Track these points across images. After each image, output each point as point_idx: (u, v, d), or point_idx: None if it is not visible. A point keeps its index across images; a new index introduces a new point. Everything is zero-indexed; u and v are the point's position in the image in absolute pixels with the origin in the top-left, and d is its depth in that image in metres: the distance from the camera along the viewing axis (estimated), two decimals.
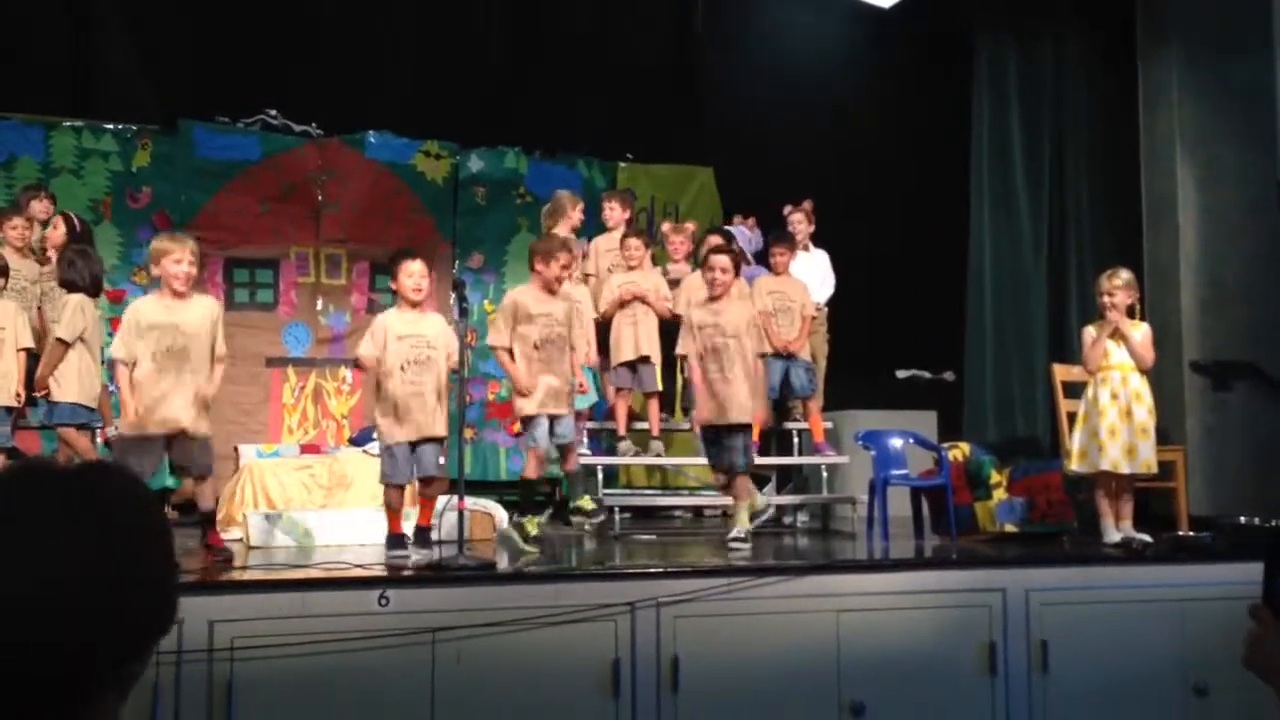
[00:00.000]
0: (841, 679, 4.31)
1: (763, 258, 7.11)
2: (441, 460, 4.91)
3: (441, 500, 4.83)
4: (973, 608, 4.56)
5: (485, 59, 8.42)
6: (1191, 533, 5.69)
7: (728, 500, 5.82)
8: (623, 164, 8.70)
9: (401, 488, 4.82)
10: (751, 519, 5.26)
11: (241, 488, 5.82)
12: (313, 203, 7.94)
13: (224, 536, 5.58)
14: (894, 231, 8.24)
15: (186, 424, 4.52)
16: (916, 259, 8.23)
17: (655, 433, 6.58)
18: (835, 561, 4.94)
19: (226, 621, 3.73)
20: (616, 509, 6.31)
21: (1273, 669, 1.39)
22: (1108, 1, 8.17)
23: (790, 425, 6.85)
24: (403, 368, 4.75)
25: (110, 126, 7.61)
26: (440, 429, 4.83)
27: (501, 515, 5.65)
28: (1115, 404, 5.24)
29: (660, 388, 6.60)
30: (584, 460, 6.27)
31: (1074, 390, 5.88)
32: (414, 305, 4.87)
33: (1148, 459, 5.21)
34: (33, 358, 5.66)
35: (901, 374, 8.36)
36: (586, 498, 5.24)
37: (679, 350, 5.59)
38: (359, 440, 6.81)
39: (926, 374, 8.41)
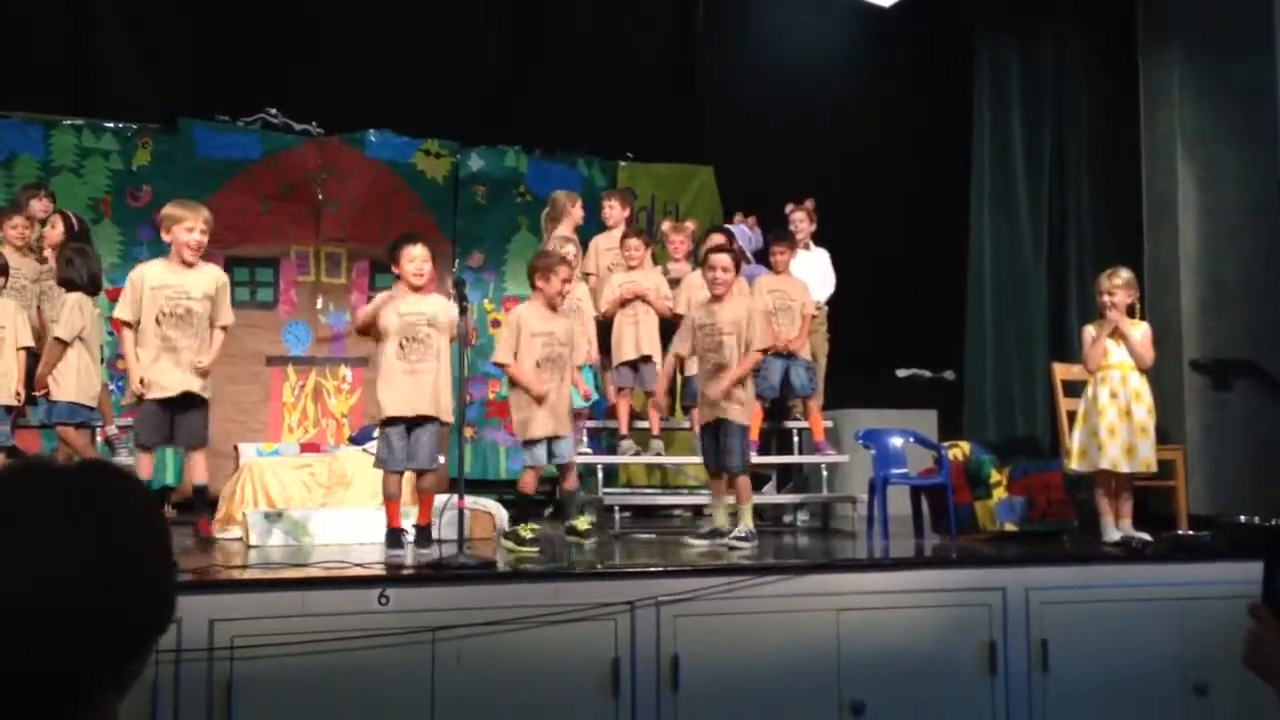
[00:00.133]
0: (841, 678, 4.31)
1: (763, 256, 7.11)
2: (441, 459, 4.91)
3: (441, 499, 4.83)
4: (973, 607, 4.57)
5: (485, 58, 8.42)
6: (1191, 532, 5.69)
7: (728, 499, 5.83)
8: (623, 163, 8.70)
9: (398, 475, 4.81)
10: (718, 534, 5.23)
11: (241, 486, 5.81)
12: (313, 201, 7.94)
13: (224, 535, 5.62)
14: (894, 231, 8.24)
15: (187, 387, 4.55)
16: (917, 258, 8.23)
17: (656, 432, 6.58)
18: (835, 560, 4.94)
19: (226, 620, 3.73)
20: (616, 508, 6.32)
21: (1272, 668, 1.39)
22: (1108, 1, 8.17)
23: (790, 424, 6.85)
24: (402, 345, 4.75)
25: (110, 125, 7.61)
26: (439, 410, 4.80)
27: (501, 514, 5.65)
28: (1115, 403, 5.24)
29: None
30: (584, 459, 6.28)
31: (1074, 389, 5.88)
32: (416, 290, 4.87)
33: (1147, 458, 5.21)
34: (32, 356, 5.66)
35: (902, 373, 8.36)
36: (583, 518, 5.21)
37: (674, 349, 5.61)
38: (359, 439, 6.81)
39: (927, 373, 8.41)
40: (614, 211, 7.10)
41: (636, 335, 6.44)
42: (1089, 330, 5.45)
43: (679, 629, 4.17)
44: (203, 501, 4.76)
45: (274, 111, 7.93)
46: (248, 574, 4.25)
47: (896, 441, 6.10)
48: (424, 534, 4.80)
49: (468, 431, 7.70)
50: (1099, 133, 8.40)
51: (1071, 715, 4.57)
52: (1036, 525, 5.67)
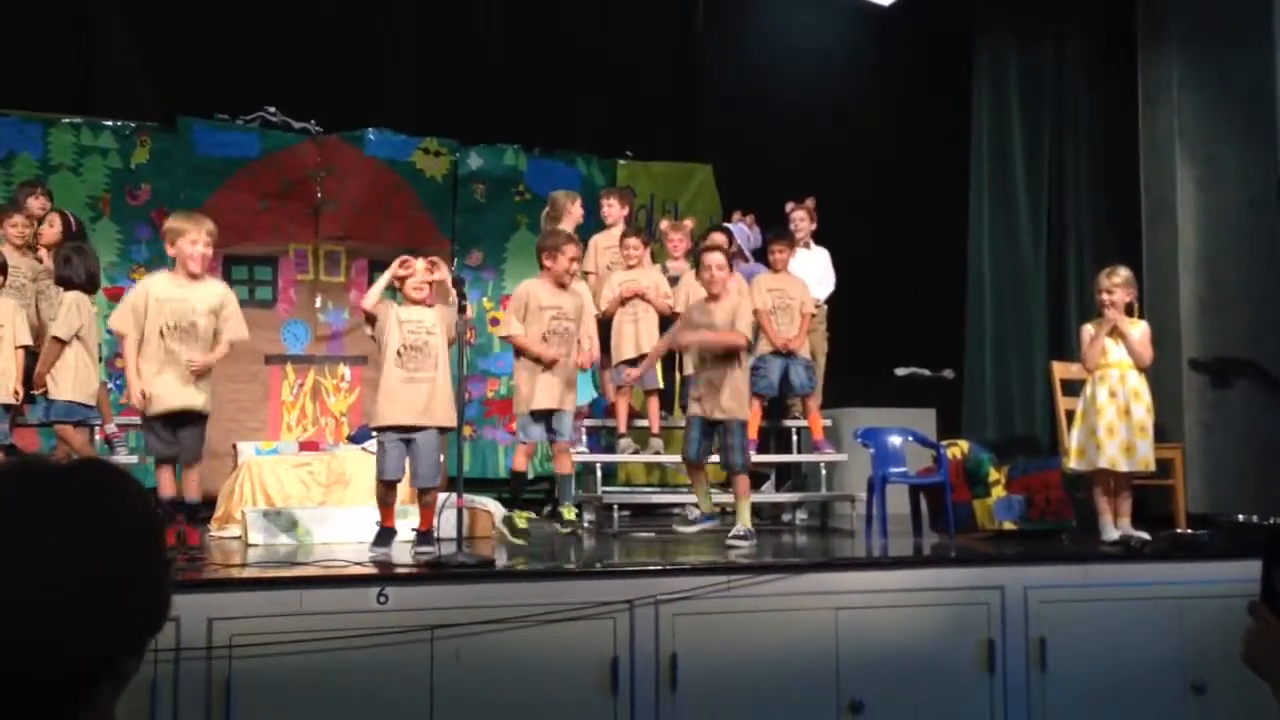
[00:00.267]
0: (840, 676, 4.31)
1: (761, 255, 7.11)
2: (441, 458, 4.90)
3: (440, 498, 4.82)
4: (971, 605, 4.57)
5: (485, 57, 8.42)
6: (1190, 530, 5.69)
7: (727, 498, 5.83)
8: (622, 161, 8.70)
9: (392, 484, 4.79)
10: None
11: (240, 485, 5.82)
12: (312, 200, 7.94)
13: (222, 534, 5.63)
14: (893, 230, 8.24)
15: (189, 403, 4.54)
16: (916, 257, 8.24)
17: (655, 430, 6.58)
18: (834, 559, 4.95)
19: (225, 619, 3.73)
20: (615, 506, 6.32)
21: (1271, 666, 1.39)
22: (1108, 1, 8.17)
23: (789, 423, 6.85)
24: (400, 353, 4.74)
25: (109, 123, 7.61)
26: (437, 419, 4.77)
27: (500, 512, 5.65)
28: (1113, 402, 5.24)
29: (661, 385, 6.61)
30: (583, 458, 6.28)
31: (1073, 388, 5.89)
32: (416, 302, 4.87)
33: (1146, 457, 5.21)
34: (31, 355, 5.66)
35: (901, 372, 8.36)
36: (569, 506, 5.22)
37: (670, 334, 5.65)
38: (358, 438, 6.81)
39: (926, 372, 8.41)
40: (613, 210, 7.10)
41: (636, 334, 6.44)
42: (1088, 329, 5.45)
43: (678, 628, 4.17)
44: (194, 517, 4.74)
45: (273, 110, 7.92)
46: (246, 573, 4.25)
47: (895, 440, 6.10)
48: (424, 537, 4.78)
49: (466, 430, 7.70)
50: (1098, 132, 8.41)
51: (1070, 714, 4.58)
52: (1035, 524, 5.68)
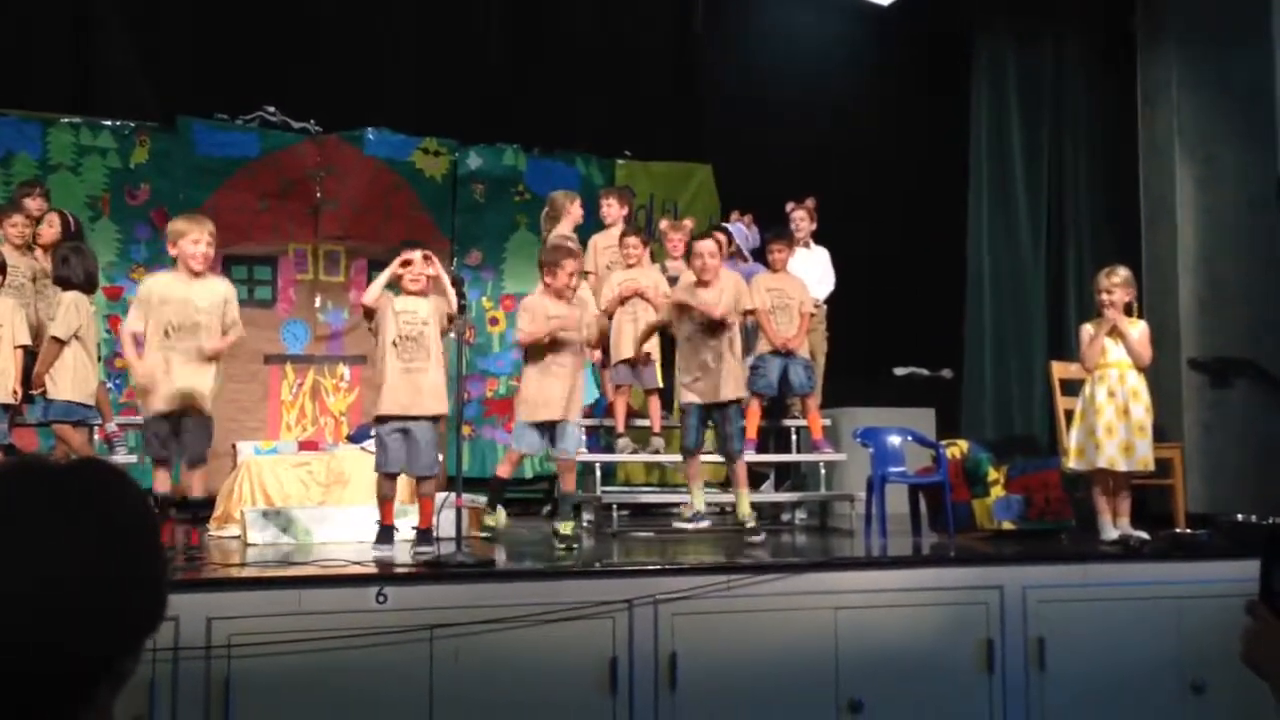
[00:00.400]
0: (839, 676, 4.31)
1: (760, 255, 7.11)
2: (440, 458, 4.91)
3: (439, 497, 4.83)
4: (970, 605, 4.57)
5: (484, 57, 8.42)
6: (1189, 530, 5.69)
7: (726, 498, 5.84)
8: (621, 161, 8.70)
9: (393, 477, 4.80)
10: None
11: (239, 485, 5.82)
12: (311, 199, 7.94)
13: (221, 534, 5.62)
14: (893, 229, 8.24)
15: (192, 400, 4.55)
16: (915, 257, 8.24)
17: (657, 429, 6.57)
18: (833, 559, 4.95)
19: (224, 619, 3.73)
20: (614, 506, 6.32)
21: (1269, 665, 1.39)
22: (1107, 1, 8.17)
23: (789, 422, 6.85)
24: (395, 343, 4.76)
25: (108, 123, 7.61)
26: (432, 407, 4.79)
27: (499, 512, 5.65)
28: (1112, 402, 5.24)
29: (661, 385, 6.60)
30: (582, 458, 6.27)
31: (1072, 388, 5.89)
32: (411, 294, 4.89)
33: (1145, 456, 5.21)
34: (30, 355, 5.65)
35: (900, 371, 8.36)
36: (569, 524, 5.16)
37: (660, 317, 5.65)
38: (357, 437, 6.81)
39: (925, 371, 8.41)
40: (612, 210, 7.09)
41: (635, 333, 6.43)
42: (1087, 329, 5.45)
43: (677, 627, 4.17)
44: (195, 515, 4.75)
45: (272, 110, 7.92)
46: (245, 572, 4.25)
47: (894, 440, 6.10)
48: (424, 536, 4.79)
49: (465, 429, 7.70)
50: (1097, 132, 8.41)
51: (1068, 713, 4.58)
52: (1034, 524, 5.68)
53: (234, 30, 7.67)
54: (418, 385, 4.74)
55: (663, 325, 5.77)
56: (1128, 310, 5.38)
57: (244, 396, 7.60)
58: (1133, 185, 7.82)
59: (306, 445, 6.95)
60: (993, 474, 5.86)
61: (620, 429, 6.57)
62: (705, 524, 5.14)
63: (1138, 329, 5.36)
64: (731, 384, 5.37)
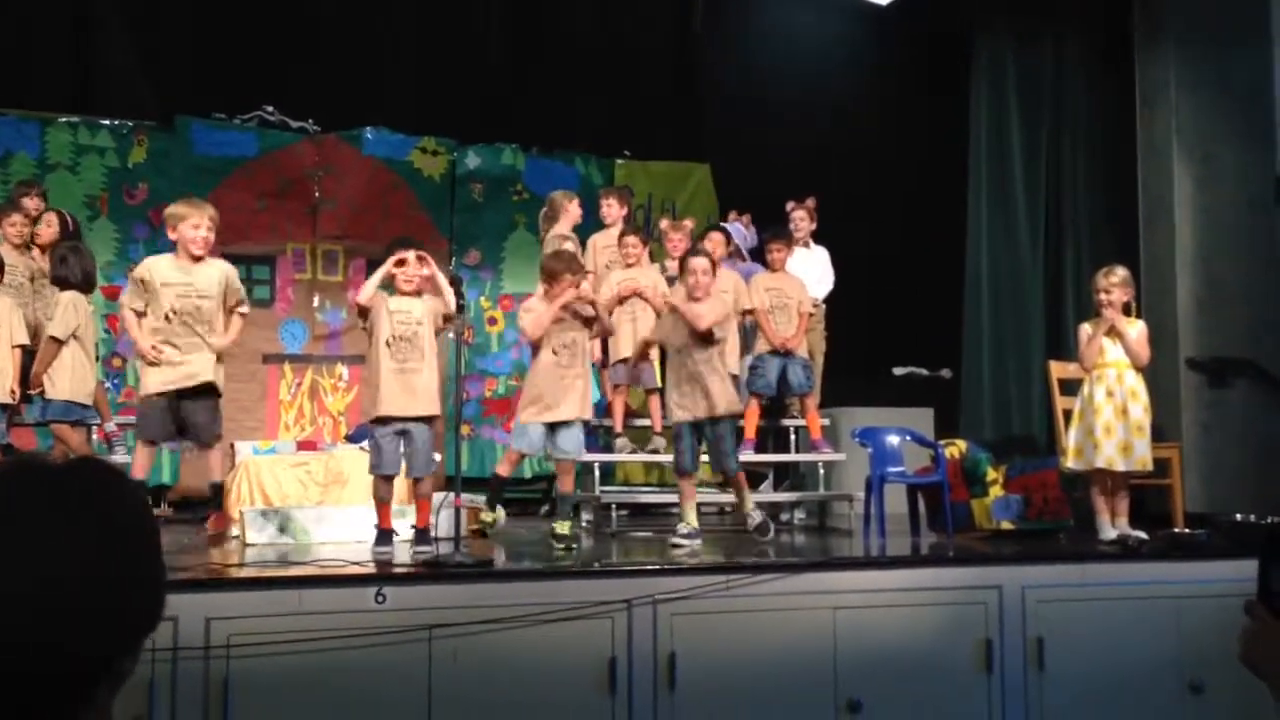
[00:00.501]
0: (838, 676, 4.31)
1: (758, 255, 7.11)
2: (438, 457, 4.91)
3: (438, 497, 4.82)
4: (969, 605, 4.57)
5: (483, 56, 8.42)
6: (1187, 530, 5.69)
7: (725, 498, 5.84)
8: (620, 161, 8.70)
9: (390, 479, 4.80)
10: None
11: (238, 484, 5.81)
12: (310, 199, 7.93)
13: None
14: (891, 229, 8.24)
15: (196, 381, 4.54)
16: (914, 257, 8.24)
17: (658, 429, 6.56)
18: (832, 559, 4.95)
19: (223, 619, 3.73)
20: (614, 506, 6.32)
21: (1268, 665, 1.39)
22: (1106, 1, 8.18)
23: (787, 422, 6.85)
24: (389, 343, 4.76)
25: (106, 122, 7.60)
26: (426, 407, 4.79)
27: (499, 512, 5.66)
28: (1111, 401, 5.24)
29: (660, 384, 6.59)
30: (580, 458, 6.26)
31: (1070, 388, 5.89)
32: (405, 294, 4.88)
33: (1143, 456, 5.22)
34: (28, 354, 5.65)
35: (898, 371, 8.36)
36: (566, 524, 5.13)
37: (650, 335, 5.62)
38: (355, 437, 6.81)
39: (923, 371, 8.42)
40: (612, 210, 7.09)
41: (634, 332, 6.42)
42: (1085, 328, 5.46)
43: (676, 627, 4.17)
44: (217, 498, 4.74)
45: (271, 109, 7.92)
46: (244, 572, 4.24)
47: (893, 440, 6.11)
48: (422, 535, 4.79)
49: (464, 429, 7.69)
50: (1096, 132, 8.41)
51: (1067, 713, 4.58)
52: (1033, 523, 5.68)
53: (233, 30, 7.67)
54: (412, 386, 4.73)
55: (657, 342, 5.71)
56: (1126, 310, 5.39)
57: (242, 396, 7.60)
58: (1131, 185, 7.82)
59: (305, 445, 6.95)
60: (991, 474, 5.86)
61: (619, 429, 6.57)
62: (699, 542, 5.11)
63: (1136, 329, 5.36)
64: (723, 400, 5.25)
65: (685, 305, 5.29)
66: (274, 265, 7.90)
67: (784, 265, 6.75)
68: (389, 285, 4.87)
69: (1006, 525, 5.68)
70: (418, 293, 4.84)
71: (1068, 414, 5.61)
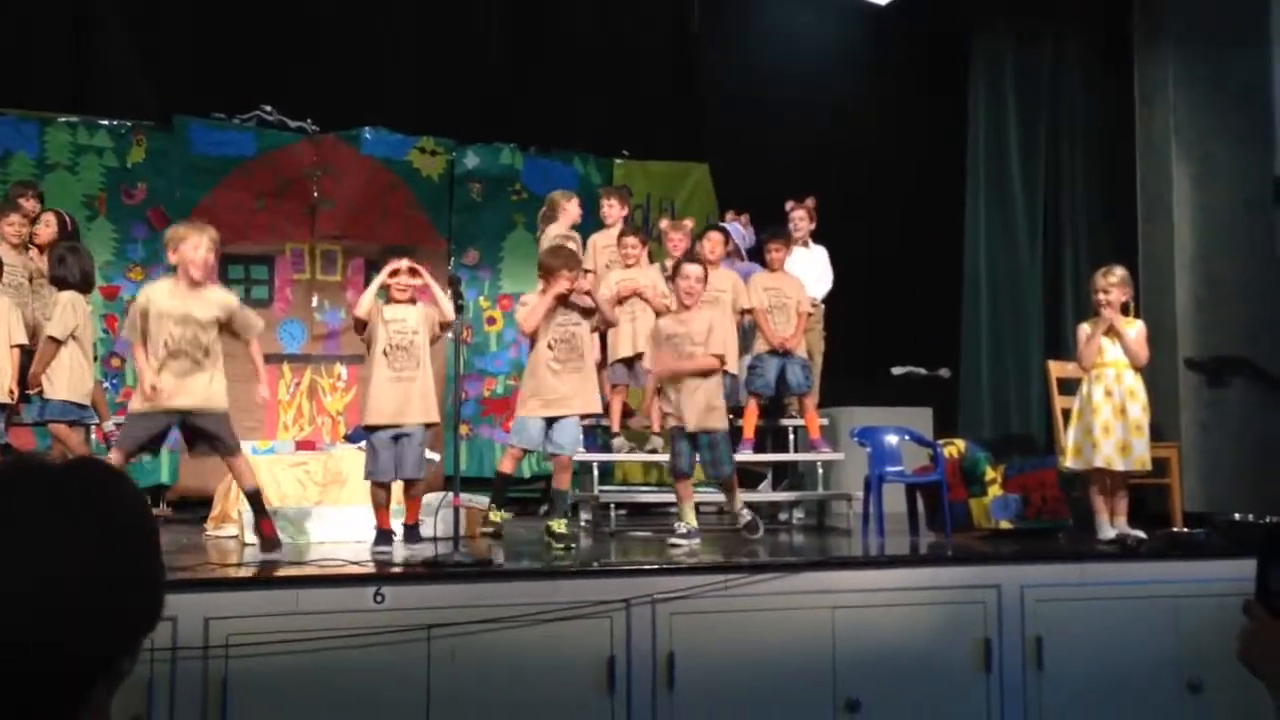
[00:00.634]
0: (837, 675, 4.32)
1: (756, 254, 7.10)
2: (437, 457, 4.91)
3: (437, 497, 4.83)
4: (967, 604, 4.57)
5: (482, 56, 8.42)
6: (1186, 529, 5.70)
7: (722, 497, 5.84)
8: (618, 161, 8.70)
9: (386, 485, 4.80)
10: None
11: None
12: (308, 199, 7.93)
13: (219, 533, 5.62)
14: (890, 229, 8.25)
15: (197, 405, 4.53)
16: (912, 256, 8.24)
17: (656, 428, 6.56)
18: (831, 558, 4.95)
19: (222, 618, 3.73)
20: (612, 505, 6.32)
21: (1266, 665, 1.39)
22: (1105, 1, 8.18)
23: (786, 422, 6.85)
24: (385, 352, 4.76)
25: (105, 122, 7.60)
26: (425, 415, 4.79)
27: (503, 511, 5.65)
28: (1109, 401, 5.25)
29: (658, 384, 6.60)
30: (580, 457, 6.27)
31: (1069, 387, 5.89)
32: (399, 302, 4.89)
33: (1142, 456, 5.22)
34: (27, 354, 5.65)
35: (897, 371, 8.37)
36: (563, 522, 5.13)
37: (648, 366, 5.62)
38: (354, 437, 6.80)
39: (922, 371, 8.42)
40: (613, 210, 7.08)
41: (633, 333, 6.43)
42: (1084, 328, 5.46)
43: (674, 627, 4.17)
44: (259, 505, 4.72)
45: (269, 109, 7.91)
46: (243, 572, 4.24)
47: (892, 439, 6.11)
48: (412, 532, 4.79)
49: (463, 429, 7.69)
50: (1095, 131, 8.41)
51: (1066, 713, 4.58)
52: (1031, 523, 5.68)
53: (231, 29, 7.67)
54: (407, 394, 4.74)
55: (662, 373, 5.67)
56: (1124, 309, 5.39)
57: (241, 396, 7.58)
58: (1130, 184, 7.82)
59: (303, 445, 6.94)
60: (990, 473, 5.86)
61: (617, 428, 6.57)
62: (698, 542, 5.12)
63: (1134, 328, 5.36)
64: (715, 415, 5.27)
65: (694, 365, 5.26)
66: (272, 265, 7.89)
67: (783, 265, 6.75)
68: (384, 293, 4.88)
69: (1005, 525, 5.69)
70: (413, 300, 4.86)
71: (1066, 413, 5.61)
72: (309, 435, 7.64)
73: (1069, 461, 5.39)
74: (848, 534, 6.13)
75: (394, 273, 4.84)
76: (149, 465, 6.75)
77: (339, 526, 5.26)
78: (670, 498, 7.02)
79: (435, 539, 4.61)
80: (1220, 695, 4.59)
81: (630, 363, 6.47)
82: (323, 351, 7.95)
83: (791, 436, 6.87)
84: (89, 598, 0.99)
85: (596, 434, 6.86)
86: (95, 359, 6.05)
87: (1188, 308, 7.32)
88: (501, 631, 3.98)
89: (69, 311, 5.62)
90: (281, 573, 4.15)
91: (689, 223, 7.20)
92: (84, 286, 5.79)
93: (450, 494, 4.56)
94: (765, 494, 6.85)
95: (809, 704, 4.28)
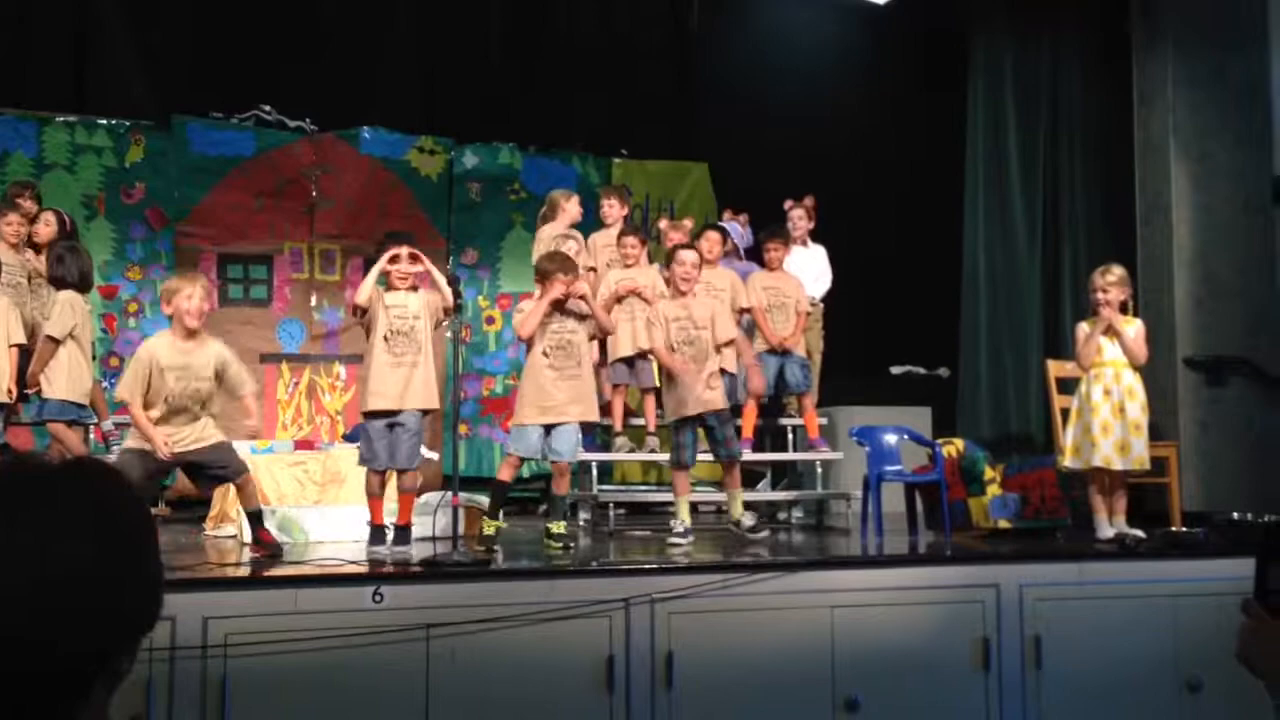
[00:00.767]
0: (836, 674, 4.32)
1: (754, 254, 7.10)
2: (435, 456, 4.90)
3: (435, 496, 4.82)
4: (966, 603, 4.57)
5: (481, 55, 8.41)
6: (1184, 528, 5.70)
7: (723, 497, 5.84)
8: (617, 160, 8.70)
9: (381, 474, 4.79)
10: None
11: None
12: (307, 198, 7.92)
13: (218, 533, 5.63)
14: (889, 228, 8.25)
15: (192, 448, 4.56)
16: (911, 255, 8.24)
17: (652, 428, 6.57)
18: (830, 557, 4.95)
19: (220, 618, 3.73)
20: (611, 505, 6.32)
21: (1265, 663, 1.39)
22: (1104, 1, 8.18)
23: (785, 421, 6.85)
24: (386, 338, 4.76)
25: (103, 122, 7.60)
26: (426, 401, 4.79)
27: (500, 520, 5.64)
28: (1108, 400, 5.25)
29: (658, 384, 6.60)
30: (579, 457, 6.26)
31: (1067, 386, 5.89)
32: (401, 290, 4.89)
33: (1141, 455, 5.22)
34: (25, 354, 5.65)
35: (896, 370, 8.37)
36: (561, 524, 5.11)
37: (644, 344, 5.60)
38: (353, 437, 6.79)
39: (921, 370, 8.42)
40: (614, 209, 7.07)
41: (633, 332, 6.42)
42: (1082, 327, 5.46)
43: (673, 626, 4.18)
44: (257, 522, 4.74)
45: (268, 108, 7.91)
46: (242, 572, 4.24)
47: (891, 438, 6.11)
48: (403, 533, 4.77)
49: (462, 428, 7.69)
50: (1094, 130, 8.41)
51: (1065, 711, 4.59)
52: (1030, 522, 5.69)
53: (230, 29, 7.67)
54: (408, 379, 4.74)
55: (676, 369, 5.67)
56: (1123, 309, 5.39)
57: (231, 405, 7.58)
58: (1128, 184, 7.83)
59: (302, 444, 6.93)
60: (989, 472, 5.87)
61: (618, 428, 6.57)
62: (691, 539, 5.12)
63: (1133, 327, 5.37)
64: (718, 394, 5.31)
65: (677, 369, 5.27)
66: (271, 265, 7.89)
67: (781, 264, 6.75)
68: (384, 280, 4.88)
69: (1004, 524, 5.69)
70: (414, 287, 4.85)
71: (1065, 413, 5.61)
72: (308, 435, 7.64)
73: (1068, 461, 5.39)
74: (846, 533, 6.14)
75: (394, 259, 4.83)
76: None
77: (338, 526, 5.26)
78: (669, 498, 7.03)
79: (434, 539, 4.61)
80: (1219, 694, 4.59)
81: (631, 362, 6.47)
82: (321, 351, 7.95)
83: (790, 436, 6.87)
84: (87, 597, 0.99)
85: (596, 433, 6.86)
86: (94, 358, 6.05)
87: (1186, 307, 7.33)
88: (500, 631, 3.98)
89: (67, 311, 5.62)
90: (280, 572, 4.15)
91: (688, 222, 7.20)
92: (82, 286, 5.79)
93: (449, 493, 4.55)
94: (764, 493, 6.85)
95: (808, 703, 4.28)
